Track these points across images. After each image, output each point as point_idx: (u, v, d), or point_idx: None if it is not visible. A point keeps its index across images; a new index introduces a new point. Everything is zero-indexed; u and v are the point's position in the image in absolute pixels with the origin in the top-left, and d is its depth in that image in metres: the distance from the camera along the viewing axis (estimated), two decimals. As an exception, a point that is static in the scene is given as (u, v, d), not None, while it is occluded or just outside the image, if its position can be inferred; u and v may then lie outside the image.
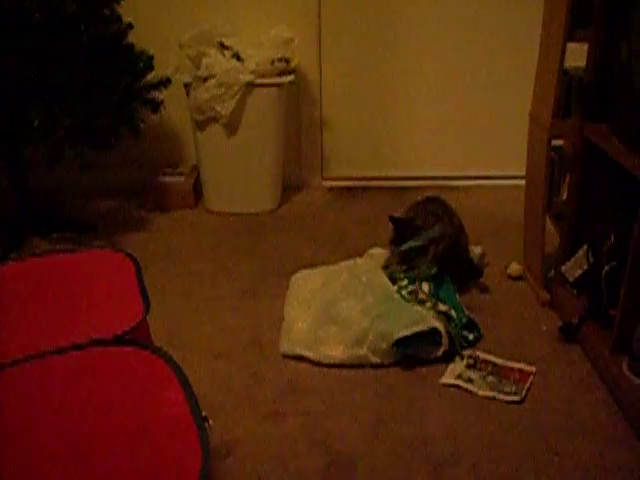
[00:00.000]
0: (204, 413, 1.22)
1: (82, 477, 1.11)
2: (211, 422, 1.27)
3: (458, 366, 2.28)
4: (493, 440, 1.98)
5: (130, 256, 1.80)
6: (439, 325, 2.29)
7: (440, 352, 2.28)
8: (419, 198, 2.85)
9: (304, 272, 2.66)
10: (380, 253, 2.72)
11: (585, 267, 2.43)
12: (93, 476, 1.11)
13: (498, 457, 1.92)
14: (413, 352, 2.27)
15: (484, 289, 2.75)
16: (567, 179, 2.54)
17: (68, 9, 2.76)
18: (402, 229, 2.62)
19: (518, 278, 2.82)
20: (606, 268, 2.27)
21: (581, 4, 2.28)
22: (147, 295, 1.64)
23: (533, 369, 2.27)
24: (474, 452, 1.94)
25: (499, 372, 2.25)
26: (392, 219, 2.65)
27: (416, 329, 2.26)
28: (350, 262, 2.68)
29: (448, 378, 2.23)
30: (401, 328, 2.26)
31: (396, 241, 2.63)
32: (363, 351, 2.28)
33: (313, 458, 1.92)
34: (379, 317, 2.31)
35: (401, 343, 2.25)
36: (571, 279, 2.50)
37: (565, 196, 2.54)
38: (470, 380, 2.22)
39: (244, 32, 3.39)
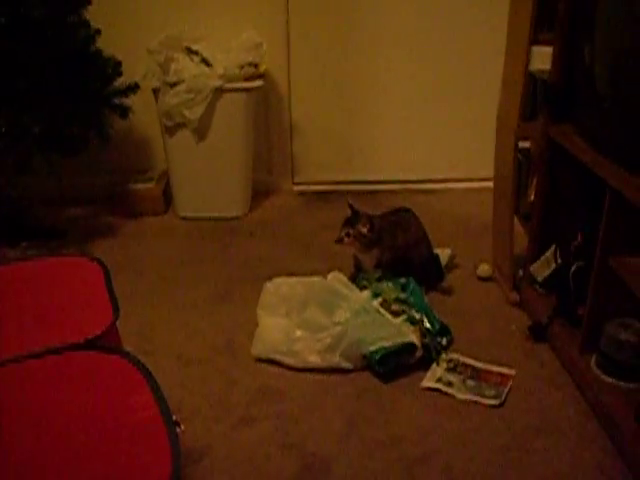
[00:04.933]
0: (175, 417, 1.22)
1: (52, 483, 1.10)
2: (183, 427, 1.27)
3: (438, 369, 2.29)
4: (465, 439, 2.00)
5: (98, 261, 1.80)
6: (414, 338, 2.31)
7: (414, 359, 2.30)
8: (391, 209, 2.91)
9: (278, 280, 2.63)
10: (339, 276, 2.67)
11: (553, 267, 2.46)
12: (63, 482, 1.10)
13: (470, 456, 1.94)
14: (393, 366, 2.26)
15: (447, 291, 2.77)
16: (534, 180, 2.57)
17: (35, 14, 2.74)
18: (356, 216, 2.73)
19: (488, 279, 2.85)
20: (574, 267, 2.30)
21: (545, 7, 2.31)
22: (116, 300, 1.63)
23: (513, 372, 2.27)
24: (446, 451, 1.95)
25: (479, 375, 2.26)
26: (351, 206, 2.75)
27: (392, 343, 2.27)
28: (326, 278, 2.64)
29: (428, 382, 2.24)
30: (377, 340, 2.28)
31: (349, 222, 2.72)
32: (336, 358, 2.29)
33: (286, 461, 1.93)
34: (354, 327, 2.31)
35: (381, 361, 2.24)
36: (540, 279, 2.53)
37: (532, 197, 2.57)
38: (450, 384, 2.22)
39: (213, 37, 3.39)
